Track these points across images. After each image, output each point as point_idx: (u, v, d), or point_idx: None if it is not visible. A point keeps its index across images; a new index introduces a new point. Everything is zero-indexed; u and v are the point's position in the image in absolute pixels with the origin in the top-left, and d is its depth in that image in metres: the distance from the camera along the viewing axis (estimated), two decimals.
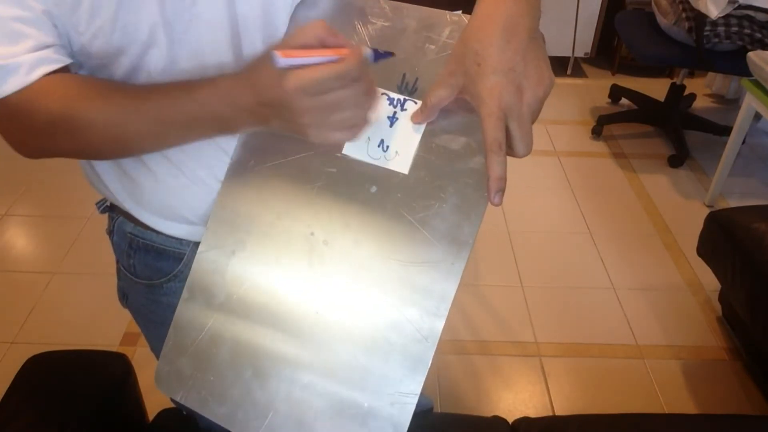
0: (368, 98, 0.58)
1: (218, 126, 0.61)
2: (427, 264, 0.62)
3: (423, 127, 0.63)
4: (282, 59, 0.52)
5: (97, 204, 0.86)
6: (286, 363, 0.66)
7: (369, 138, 0.64)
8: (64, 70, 0.60)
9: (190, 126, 0.61)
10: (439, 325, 0.62)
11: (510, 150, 0.55)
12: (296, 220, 0.67)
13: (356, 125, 0.59)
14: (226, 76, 0.60)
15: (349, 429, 0.64)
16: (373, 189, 0.65)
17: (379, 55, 0.59)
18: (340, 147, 0.66)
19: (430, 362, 0.62)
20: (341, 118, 0.57)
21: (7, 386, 1.01)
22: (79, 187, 2.33)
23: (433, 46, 0.65)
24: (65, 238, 2.24)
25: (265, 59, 0.56)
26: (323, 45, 0.55)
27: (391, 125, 0.64)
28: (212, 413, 0.68)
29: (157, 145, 0.65)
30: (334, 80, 0.54)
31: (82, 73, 0.64)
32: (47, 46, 0.58)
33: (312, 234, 0.66)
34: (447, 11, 0.66)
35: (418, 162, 0.63)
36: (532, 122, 0.54)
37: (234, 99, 0.58)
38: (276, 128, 0.59)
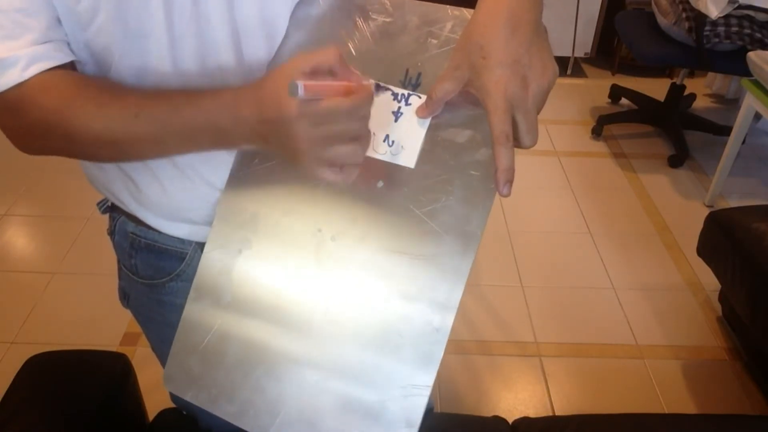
0: (368, 139, 0.58)
1: (217, 138, 0.60)
2: (435, 257, 0.62)
3: (428, 121, 0.63)
4: (303, 92, 0.50)
5: (98, 204, 0.85)
6: (297, 359, 0.66)
7: (374, 133, 0.64)
8: (68, 67, 0.60)
9: (188, 136, 0.60)
10: (450, 316, 0.62)
11: (516, 142, 0.55)
12: (303, 217, 0.67)
13: (349, 166, 0.58)
14: (230, 88, 0.59)
15: (362, 423, 0.64)
16: (380, 184, 0.65)
17: (378, 88, 0.60)
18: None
19: (442, 354, 0.61)
20: (337, 153, 0.56)
21: (7, 386, 1.01)
22: (79, 188, 2.34)
23: (435, 41, 0.65)
24: (65, 238, 2.24)
25: (275, 77, 0.55)
26: (333, 73, 0.55)
27: (395, 120, 0.64)
28: (223, 411, 0.68)
29: (154, 153, 0.64)
30: (341, 114, 0.53)
31: (89, 69, 0.64)
32: (48, 41, 0.58)
33: (319, 230, 0.66)
34: (449, 6, 0.66)
35: (424, 156, 0.63)
36: (538, 113, 0.55)
37: (236, 112, 0.57)
38: (272, 149, 0.58)
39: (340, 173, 0.58)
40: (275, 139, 0.56)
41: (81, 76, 0.63)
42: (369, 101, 0.55)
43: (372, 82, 0.58)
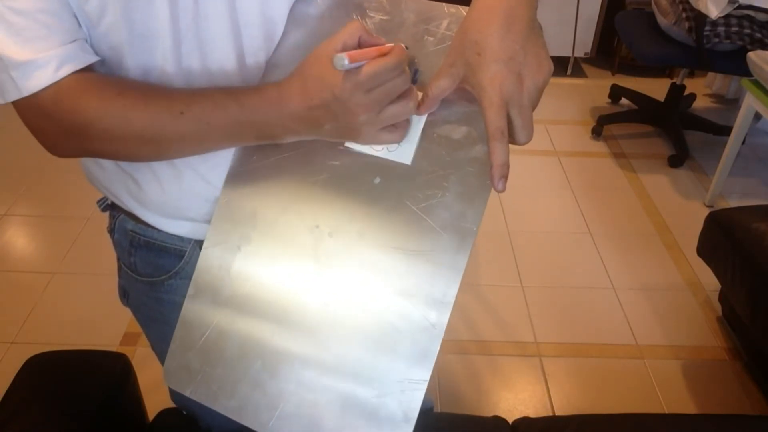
0: (414, 92, 0.61)
1: (262, 133, 0.62)
2: (432, 252, 0.63)
3: (424, 118, 0.64)
4: (348, 63, 0.53)
5: (98, 202, 0.86)
6: (295, 354, 0.66)
7: None
8: (93, 68, 0.60)
9: (233, 133, 0.62)
10: (447, 311, 0.62)
11: (511, 138, 0.55)
12: (301, 214, 0.67)
13: (403, 124, 0.62)
14: (272, 84, 0.61)
15: (359, 417, 0.64)
16: (377, 180, 0.65)
17: (408, 49, 0.61)
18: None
19: (438, 349, 0.62)
20: (390, 113, 0.59)
21: (7, 386, 1.01)
22: (79, 187, 2.34)
23: (431, 38, 0.66)
24: (65, 238, 2.24)
25: (313, 64, 0.58)
26: (361, 45, 0.58)
27: None
28: (222, 407, 0.69)
29: (197, 150, 0.66)
30: (388, 72, 0.56)
31: (101, 70, 0.64)
32: (74, 40, 0.58)
33: (317, 227, 0.67)
34: (444, 3, 0.66)
35: (421, 152, 0.64)
36: (532, 109, 0.55)
37: (283, 107, 0.59)
38: (327, 132, 0.61)
39: (396, 131, 0.62)
40: (331, 120, 0.59)
41: (115, 76, 0.63)
42: (406, 56, 0.57)
43: (400, 44, 0.59)
